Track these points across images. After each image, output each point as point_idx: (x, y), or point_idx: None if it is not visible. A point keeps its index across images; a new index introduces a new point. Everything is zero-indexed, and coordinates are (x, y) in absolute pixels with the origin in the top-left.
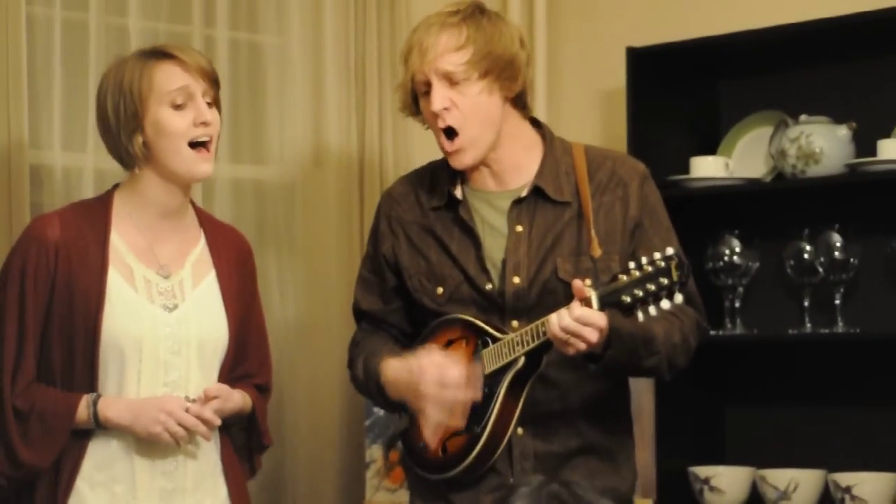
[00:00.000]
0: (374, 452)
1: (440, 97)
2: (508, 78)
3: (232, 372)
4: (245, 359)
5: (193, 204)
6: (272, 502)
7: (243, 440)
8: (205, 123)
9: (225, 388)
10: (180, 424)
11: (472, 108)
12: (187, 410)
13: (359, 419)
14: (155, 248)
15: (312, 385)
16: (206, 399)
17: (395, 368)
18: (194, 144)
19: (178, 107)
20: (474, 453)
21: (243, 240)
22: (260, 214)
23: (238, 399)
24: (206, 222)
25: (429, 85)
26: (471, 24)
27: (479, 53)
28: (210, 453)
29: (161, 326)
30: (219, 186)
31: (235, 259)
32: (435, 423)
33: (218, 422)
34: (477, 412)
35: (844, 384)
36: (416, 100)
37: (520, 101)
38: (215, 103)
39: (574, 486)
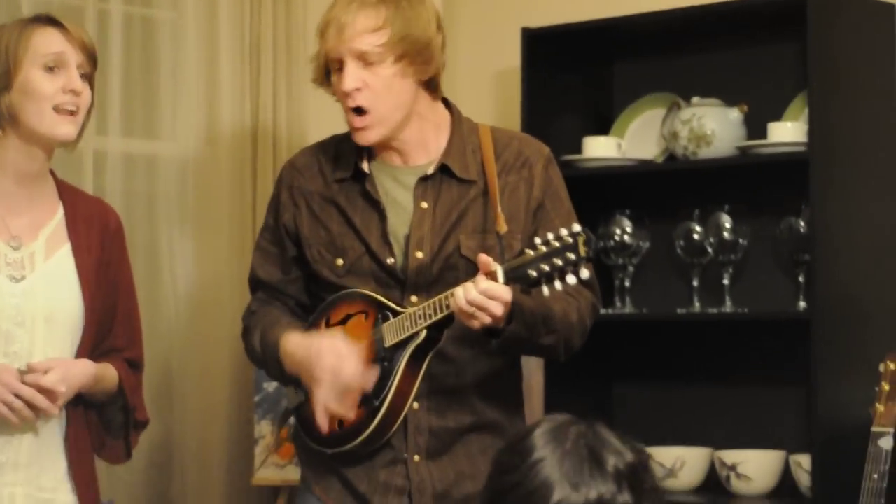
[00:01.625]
0: (263, 428)
1: (352, 77)
2: (423, 62)
3: (97, 347)
4: (110, 332)
5: (55, 176)
6: (160, 477)
7: (122, 419)
8: (73, 91)
9: (61, 360)
10: (17, 396)
11: (383, 89)
12: (24, 381)
13: (248, 395)
14: (7, 220)
15: (202, 361)
16: (34, 371)
17: (295, 343)
18: (60, 112)
19: (49, 69)
20: (372, 427)
21: (111, 212)
22: (152, 189)
23: (86, 370)
24: (68, 194)
25: (342, 62)
26: (390, 6)
27: (396, 36)
28: (52, 428)
29: (5, 297)
30: (110, 161)
31: (99, 232)
32: (323, 406)
33: (62, 390)
34: (376, 385)
35: (732, 363)
36: (329, 72)
37: (432, 84)
38: (89, 80)
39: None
